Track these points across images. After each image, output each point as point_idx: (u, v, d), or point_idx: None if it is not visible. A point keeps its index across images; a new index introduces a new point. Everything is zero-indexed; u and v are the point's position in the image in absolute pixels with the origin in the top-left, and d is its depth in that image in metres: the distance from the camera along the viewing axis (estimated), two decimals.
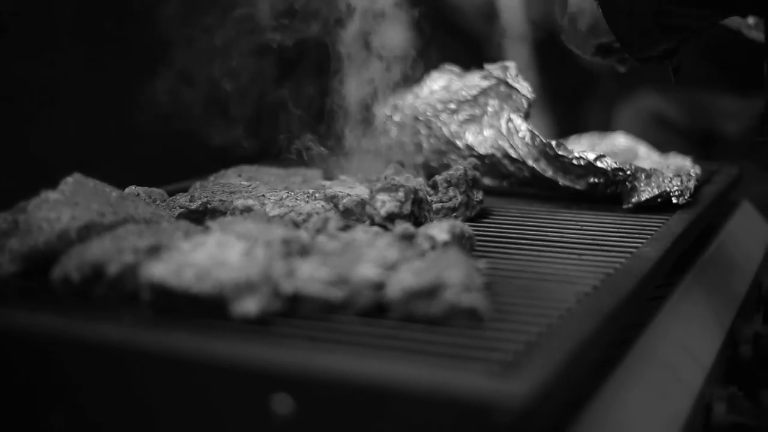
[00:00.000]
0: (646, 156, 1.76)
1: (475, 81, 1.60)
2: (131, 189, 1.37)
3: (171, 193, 1.39)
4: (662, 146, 2.38)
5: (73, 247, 1.04)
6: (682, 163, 1.66)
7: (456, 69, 1.74)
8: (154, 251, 1.02)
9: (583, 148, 1.71)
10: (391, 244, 1.03)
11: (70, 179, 1.16)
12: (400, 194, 1.22)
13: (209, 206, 1.30)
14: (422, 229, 1.11)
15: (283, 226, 1.11)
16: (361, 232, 1.10)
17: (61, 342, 0.86)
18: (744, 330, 1.33)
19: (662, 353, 1.05)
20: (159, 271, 0.95)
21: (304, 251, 1.01)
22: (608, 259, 1.14)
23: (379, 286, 0.94)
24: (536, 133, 1.49)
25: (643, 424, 0.92)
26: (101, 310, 0.94)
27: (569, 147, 1.49)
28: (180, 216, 1.28)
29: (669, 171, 1.48)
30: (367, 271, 0.94)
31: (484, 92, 1.58)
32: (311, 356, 0.78)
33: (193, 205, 1.30)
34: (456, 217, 1.36)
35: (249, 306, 0.91)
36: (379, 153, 1.78)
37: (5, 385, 0.88)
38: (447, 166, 1.54)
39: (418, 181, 1.37)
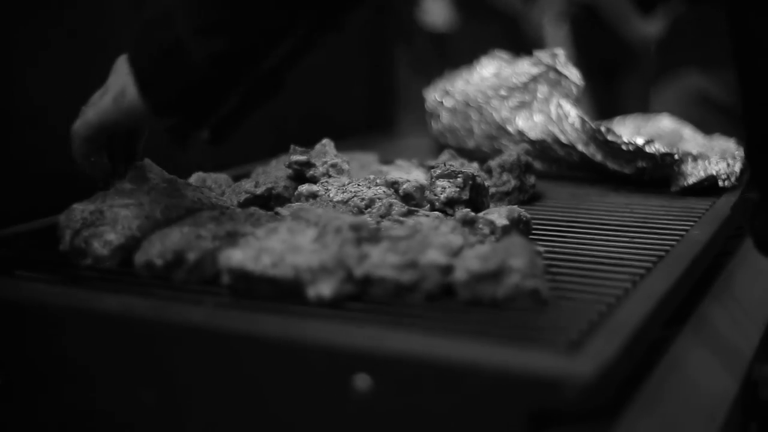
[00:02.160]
0: (691, 138, 1.80)
1: (525, 68, 1.65)
2: (198, 175, 1.43)
3: (236, 179, 1.45)
4: (704, 125, 2.40)
5: (154, 233, 1.10)
6: (726, 145, 1.70)
7: (505, 55, 1.79)
8: (231, 237, 1.08)
9: (628, 130, 1.76)
10: (455, 230, 1.08)
11: (142, 165, 1.23)
12: (459, 180, 1.28)
13: (274, 192, 1.36)
14: (482, 214, 1.17)
15: (348, 212, 1.18)
16: (424, 218, 1.16)
17: (152, 324, 0.92)
18: None
19: (715, 329, 1.10)
20: (238, 256, 1.01)
21: (373, 236, 1.07)
22: (659, 242, 1.18)
23: (447, 270, 0.99)
24: (586, 119, 1.54)
25: (697, 399, 0.97)
26: (185, 293, 1.00)
27: (615, 130, 1.54)
28: (246, 202, 1.34)
29: (715, 154, 1.52)
30: (435, 255, 0.99)
31: (534, 79, 1.63)
32: (389, 336, 0.84)
33: (259, 191, 1.35)
34: (510, 202, 1.41)
35: (324, 289, 0.97)
36: (432, 137, 1.84)
37: (101, 364, 0.94)
38: (499, 152, 1.60)
39: (474, 167, 1.43)
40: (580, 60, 3.73)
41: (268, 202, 1.35)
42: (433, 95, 1.84)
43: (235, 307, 0.97)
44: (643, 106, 2.77)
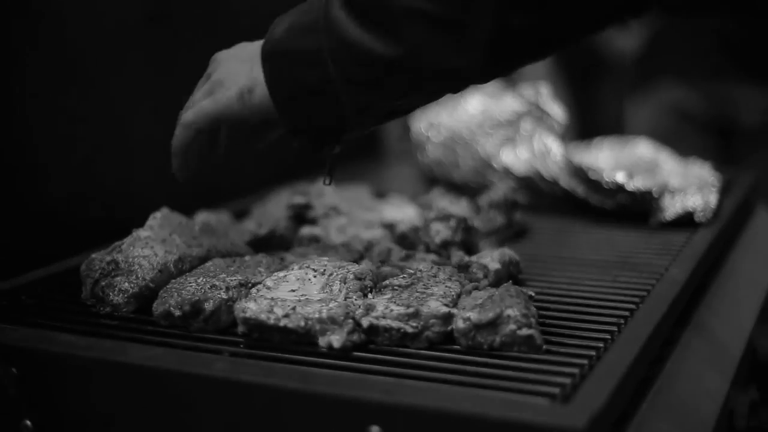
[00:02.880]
0: (668, 166, 1.88)
1: (509, 104, 1.74)
2: (203, 215, 1.50)
3: (236, 215, 1.53)
4: (680, 136, 2.46)
5: (170, 283, 1.18)
6: (702, 172, 1.78)
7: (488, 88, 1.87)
8: (243, 287, 1.16)
9: (607, 160, 1.84)
10: (451, 278, 1.17)
11: (158, 214, 1.30)
12: (452, 223, 1.36)
13: (276, 233, 1.44)
14: (475, 258, 1.25)
15: (350, 260, 1.26)
16: (422, 264, 1.24)
17: (175, 374, 1.00)
18: (762, 335, 1.47)
19: (690, 369, 1.19)
20: (252, 308, 1.09)
21: (376, 284, 1.15)
22: (640, 281, 1.27)
23: (447, 319, 1.07)
24: (569, 158, 1.63)
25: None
26: (203, 343, 1.08)
27: (593, 156, 1.62)
28: (250, 243, 1.41)
29: (692, 185, 1.60)
30: (436, 305, 1.07)
31: (518, 115, 1.72)
32: (399, 390, 0.92)
33: (262, 233, 1.43)
34: (498, 237, 1.49)
35: (334, 340, 1.05)
36: (419, 168, 1.92)
37: (126, 411, 1.02)
38: (485, 186, 1.68)
39: (463, 206, 1.51)
40: (558, 68, 3.80)
41: (271, 241, 1.43)
42: (419, 126, 1.92)
43: (253, 357, 1.04)
44: (620, 116, 2.82)
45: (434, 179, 1.85)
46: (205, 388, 0.98)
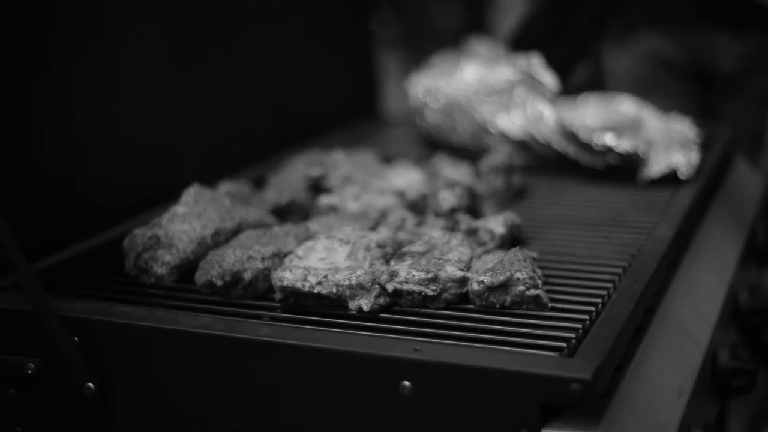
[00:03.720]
0: (650, 121, 2.00)
1: (503, 73, 1.86)
2: (225, 186, 1.62)
3: (255, 182, 1.65)
4: (659, 85, 2.56)
5: (209, 255, 1.30)
6: (682, 128, 1.91)
7: (483, 50, 1.99)
8: (276, 256, 1.29)
9: (592, 114, 1.95)
10: (462, 243, 1.30)
11: (191, 190, 1.43)
12: (458, 191, 1.49)
13: (296, 202, 1.56)
14: (482, 223, 1.38)
15: (368, 228, 1.39)
16: (434, 230, 1.37)
17: (225, 339, 1.13)
18: (741, 281, 1.61)
19: (677, 317, 1.32)
20: (288, 277, 1.22)
21: (396, 252, 1.28)
22: (630, 240, 1.41)
23: (463, 282, 1.21)
24: (560, 122, 1.75)
25: (666, 379, 1.20)
26: (244, 308, 1.22)
27: (580, 114, 1.74)
28: (272, 211, 1.53)
29: (675, 144, 1.73)
30: (453, 270, 1.21)
31: (512, 84, 1.84)
32: (426, 350, 1.05)
33: (283, 202, 1.56)
34: (498, 200, 1.62)
35: (363, 304, 1.19)
36: (418, 131, 2.04)
37: (182, 372, 1.15)
38: (483, 150, 1.81)
39: (465, 172, 1.64)
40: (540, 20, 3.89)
41: (291, 210, 1.56)
42: (416, 91, 2.04)
43: (291, 321, 1.18)
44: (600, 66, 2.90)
45: (434, 143, 1.98)
46: (252, 351, 1.11)
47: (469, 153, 1.87)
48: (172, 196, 1.58)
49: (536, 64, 1.86)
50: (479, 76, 1.91)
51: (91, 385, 1.17)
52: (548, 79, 1.83)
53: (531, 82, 1.84)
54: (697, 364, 1.25)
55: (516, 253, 1.23)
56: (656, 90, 2.61)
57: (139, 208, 1.59)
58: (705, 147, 1.87)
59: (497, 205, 1.59)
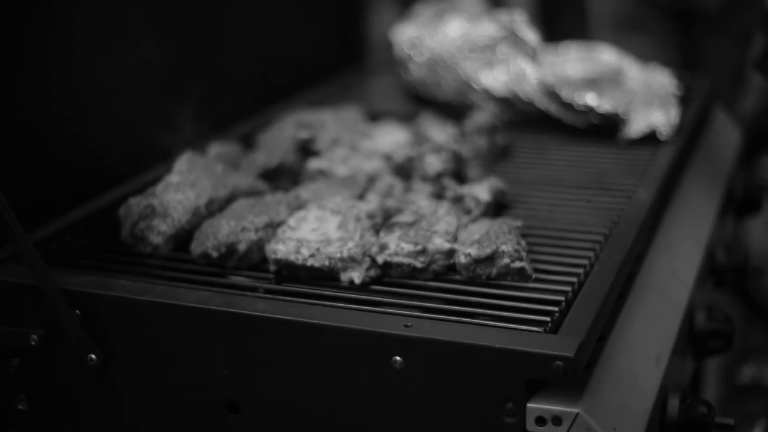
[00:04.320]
0: (631, 72, 2.04)
1: (487, 30, 1.89)
2: (215, 148, 1.66)
3: (242, 139, 1.69)
4: (641, 23, 2.57)
5: (203, 225, 1.34)
6: (662, 80, 1.94)
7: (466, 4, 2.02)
8: (270, 227, 1.33)
9: (573, 64, 1.98)
10: (449, 212, 1.34)
11: (183, 158, 1.46)
12: (444, 156, 1.53)
13: (285, 165, 1.60)
14: (467, 190, 1.43)
15: (357, 194, 1.43)
16: (420, 198, 1.41)
17: (222, 314, 1.17)
18: (719, 237, 1.66)
19: (657, 281, 1.38)
20: (282, 250, 1.26)
21: (385, 223, 1.32)
22: (612, 204, 1.45)
23: (450, 254, 1.25)
24: (543, 80, 1.79)
25: (645, 346, 1.25)
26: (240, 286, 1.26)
27: (561, 60, 1.77)
28: (262, 174, 1.57)
29: (655, 102, 1.77)
30: (440, 242, 1.25)
31: (496, 40, 1.87)
32: (417, 326, 1.10)
33: (272, 165, 1.59)
34: (482, 160, 1.66)
35: (354, 276, 1.23)
36: (401, 84, 2.07)
37: (177, 349, 1.19)
38: (468, 106, 1.85)
39: (450, 132, 1.68)
40: None
41: (280, 173, 1.59)
42: (400, 43, 2.07)
43: (285, 293, 1.22)
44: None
45: (419, 97, 2.01)
46: (249, 326, 1.15)
47: (454, 108, 1.90)
48: (163, 156, 1.63)
49: (519, 21, 1.89)
50: (463, 30, 1.94)
51: (93, 356, 1.21)
52: (531, 36, 1.86)
53: (514, 39, 1.87)
54: (674, 330, 1.30)
55: (501, 225, 1.27)
56: (638, 28, 2.64)
57: (130, 169, 1.62)
58: (685, 100, 1.91)
59: (482, 165, 1.63)
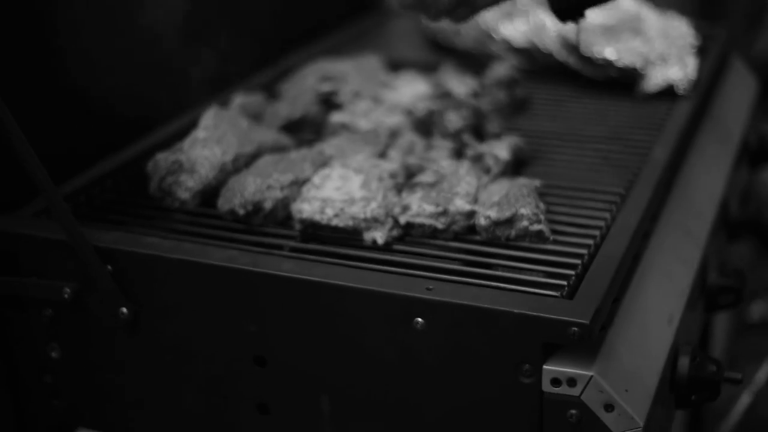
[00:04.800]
0: (649, 20, 2.05)
1: None
2: (239, 99, 1.69)
3: (265, 88, 1.72)
4: None
5: (229, 181, 1.38)
6: (680, 29, 1.95)
7: None
8: (295, 184, 1.36)
9: (595, 22, 2.01)
10: (469, 172, 1.37)
11: (210, 113, 1.50)
12: (464, 112, 1.56)
13: (308, 118, 1.63)
14: (487, 148, 1.46)
15: (379, 152, 1.46)
16: (442, 157, 1.45)
17: (250, 273, 1.21)
18: (733, 189, 1.70)
19: (670, 240, 1.41)
20: (307, 209, 1.30)
21: (407, 183, 1.36)
22: (628, 160, 1.49)
23: (470, 215, 1.29)
24: (563, 33, 1.81)
25: (658, 306, 1.29)
26: (267, 237, 1.30)
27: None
28: (285, 126, 1.61)
29: (673, 56, 1.79)
30: (461, 203, 1.29)
31: None
32: (438, 289, 1.14)
33: (296, 117, 1.63)
34: (502, 112, 1.69)
35: (378, 236, 1.27)
36: (420, 30, 2.09)
37: (205, 306, 1.24)
38: (487, 55, 1.87)
39: (470, 84, 1.70)
40: None
41: (303, 125, 1.63)
42: None
43: (309, 251, 1.26)
44: None
45: (438, 44, 2.03)
46: (276, 285, 1.20)
47: (473, 57, 1.92)
48: (182, 106, 1.66)
49: None
50: None
51: (124, 310, 1.26)
52: None
53: None
54: (687, 289, 1.34)
55: (521, 187, 1.31)
56: None
57: (155, 118, 1.64)
58: (702, 50, 1.93)
59: (500, 118, 1.65)
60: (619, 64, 1.76)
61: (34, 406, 1.37)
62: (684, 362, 1.24)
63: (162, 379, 1.29)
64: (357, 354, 1.18)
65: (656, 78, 1.74)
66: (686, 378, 1.24)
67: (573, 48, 1.79)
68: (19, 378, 1.37)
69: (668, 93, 1.74)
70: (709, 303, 1.47)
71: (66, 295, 1.27)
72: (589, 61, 1.78)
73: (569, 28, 1.80)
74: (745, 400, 2.30)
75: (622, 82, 1.78)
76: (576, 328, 1.07)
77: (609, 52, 1.77)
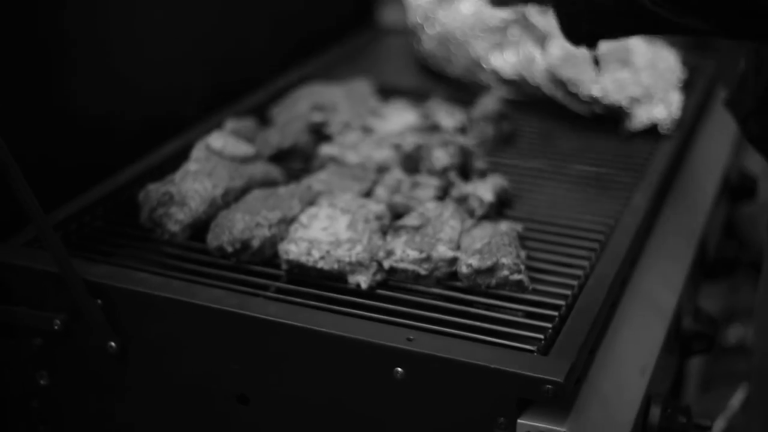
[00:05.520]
0: (639, 49, 2.07)
1: (500, 12, 1.94)
2: (230, 125, 1.71)
3: (253, 111, 1.75)
4: None
5: (219, 216, 1.41)
6: (668, 63, 1.99)
7: None
8: (282, 222, 1.40)
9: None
10: (453, 215, 1.41)
11: (201, 145, 1.53)
12: (451, 149, 1.59)
13: (297, 147, 1.66)
14: (472, 189, 1.49)
15: (367, 188, 1.49)
16: (428, 195, 1.48)
17: (235, 315, 1.24)
18: (711, 230, 1.73)
19: (647, 287, 1.45)
20: (294, 251, 1.33)
21: (392, 225, 1.39)
22: (609, 205, 1.52)
23: (453, 261, 1.32)
24: (551, 69, 1.84)
25: (632, 358, 1.33)
26: (253, 276, 1.33)
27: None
28: (275, 155, 1.64)
29: (658, 93, 1.82)
30: (443, 250, 1.32)
31: (507, 22, 1.92)
32: (418, 340, 1.17)
33: (285, 146, 1.66)
34: (487, 147, 1.72)
35: (361, 280, 1.31)
36: (412, 53, 2.12)
37: (192, 343, 1.27)
38: (476, 84, 1.90)
39: (458, 118, 1.74)
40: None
41: (293, 154, 1.66)
42: (414, 14, 2.11)
43: (294, 293, 1.30)
44: None
45: (428, 69, 2.06)
46: (260, 327, 1.23)
47: (463, 85, 1.96)
48: (177, 129, 1.68)
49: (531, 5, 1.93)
50: (475, 8, 1.99)
51: (113, 344, 1.29)
52: (542, 21, 1.91)
53: (525, 23, 1.91)
54: (661, 339, 1.38)
55: (503, 235, 1.34)
56: None
57: (147, 143, 1.67)
58: (689, 84, 1.96)
59: (486, 154, 1.69)
60: (605, 101, 1.79)
61: (21, 430, 1.40)
62: (655, 413, 1.28)
63: (148, 409, 1.32)
64: (337, 399, 1.21)
65: (641, 116, 1.78)
66: (657, 429, 1.27)
67: (560, 83, 1.82)
68: (7, 402, 1.40)
69: (652, 132, 1.77)
70: (683, 349, 1.51)
71: (56, 326, 1.30)
72: (575, 96, 1.81)
73: (556, 62, 1.83)
74: (719, 424, 2.34)
75: (608, 117, 1.82)
76: (550, 386, 1.10)
77: (596, 90, 1.80)
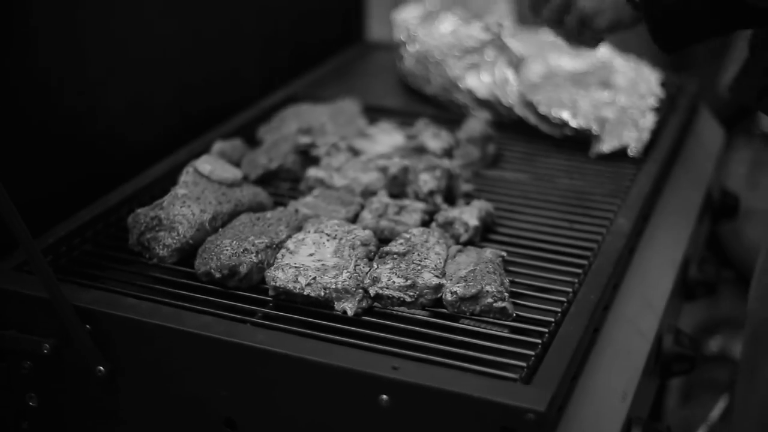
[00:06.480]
0: (621, 69, 2.10)
1: (476, 33, 1.97)
2: (219, 145, 1.73)
3: (242, 130, 1.77)
4: None
5: (207, 242, 1.43)
6: (649, 80, 2.01)
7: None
8: (269, 248, 1.41)
9: (567, 58, 2.06)
10: (439, 241, 1.43)
11: (189, 170, 1.54)
12: (438, 173, 1.61)
13: (284, 167, 1.68)
14: (457, 214, 1.51)
15: (353, 213, 1.51)
16: (414, 219, 1.50)
17: (223, 342, 1.26)
18: (693, 255, 1.76)
19: (628, 312, 1.47)
20: (281, 277, 1.35)
21: (378, 251, 1.41)
22: (592, 228, 1.54)
23: (438, 289, 1.34)
24: (523, 94, 1.87)
25: (613, 383, 1.35)
26: (240, 302, 1.35)
27: (554, 53, 1.84)
28: (263, 176, 1.66)
29: (630, 120, 1.84)
30: (429, 277, 1.34)
31: (483, 44, 1.95)
32: (402, 368, 1.19)
33: (273, 167, 1.68)
34: (474, 169, 1.74)
35: (347, 307, 1.33)
36: (397, 80, 2.15)
37: (179, 367, 1.29)
38: (453, 103, 1.94)
39: (444, 139, 1.76)
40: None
41: (279, 174, 1.68)
42: (398, 31, 2.14)
43: (280, 319, 1.32)
44: None
45: (410, 88, 2.10)
46: (248, 354, 1.24)
47: (441, 104, 1.99)
48: (168, 147, 1.70)
49: (506, 28, 1.97)
50: (454, 28, 2.02)
51: (101, 368, 1.30)
52: (516, 45, 1.93)
53: (500, 44, 1.94)
54: (642, 364, 1.40)
55: (487, 263, 1.36)
56: None
57: (136, 165, 1.69)
58: (672, 103, 1.99)
59: (472, 177, 1.71)
60: (574, 124, 1.82)
61: None
62: None
63: (136, 430, 1.34)
64: (323, 424, 1.23)
65: (611, 140, 1.80)
66: None
67: (531, 105, 1.85)
68: None
69: (621, 154, 1.80)
70: (663, 370, 1.53)
71: (45, 350, 1.32)
72: (546, 119, 1.84)
73: (529, 85, 1.85)
74: None
75: (579, 140, 1.84)
76: (532, 415, 1.12)
77: (565, 114, 1.83)
